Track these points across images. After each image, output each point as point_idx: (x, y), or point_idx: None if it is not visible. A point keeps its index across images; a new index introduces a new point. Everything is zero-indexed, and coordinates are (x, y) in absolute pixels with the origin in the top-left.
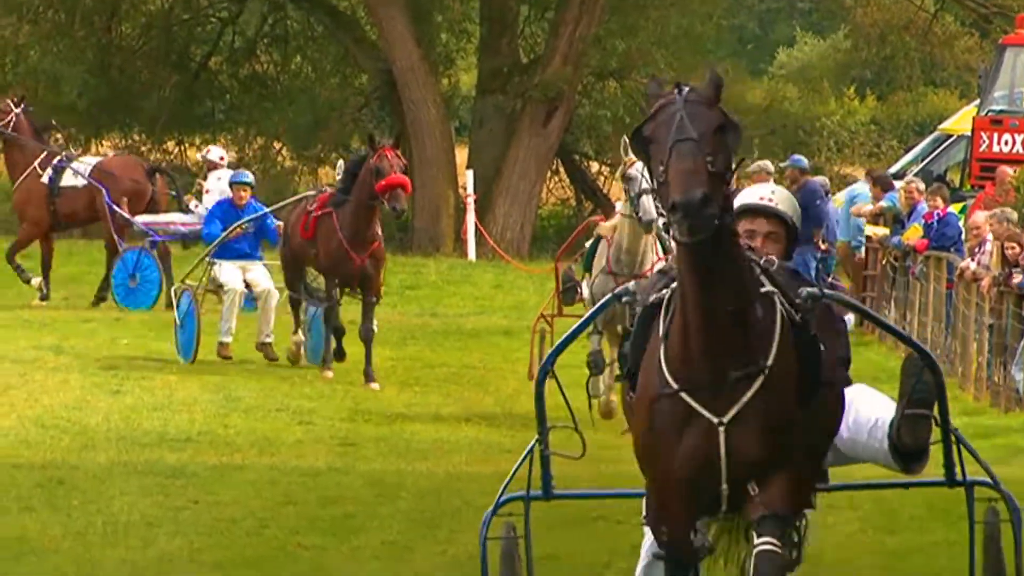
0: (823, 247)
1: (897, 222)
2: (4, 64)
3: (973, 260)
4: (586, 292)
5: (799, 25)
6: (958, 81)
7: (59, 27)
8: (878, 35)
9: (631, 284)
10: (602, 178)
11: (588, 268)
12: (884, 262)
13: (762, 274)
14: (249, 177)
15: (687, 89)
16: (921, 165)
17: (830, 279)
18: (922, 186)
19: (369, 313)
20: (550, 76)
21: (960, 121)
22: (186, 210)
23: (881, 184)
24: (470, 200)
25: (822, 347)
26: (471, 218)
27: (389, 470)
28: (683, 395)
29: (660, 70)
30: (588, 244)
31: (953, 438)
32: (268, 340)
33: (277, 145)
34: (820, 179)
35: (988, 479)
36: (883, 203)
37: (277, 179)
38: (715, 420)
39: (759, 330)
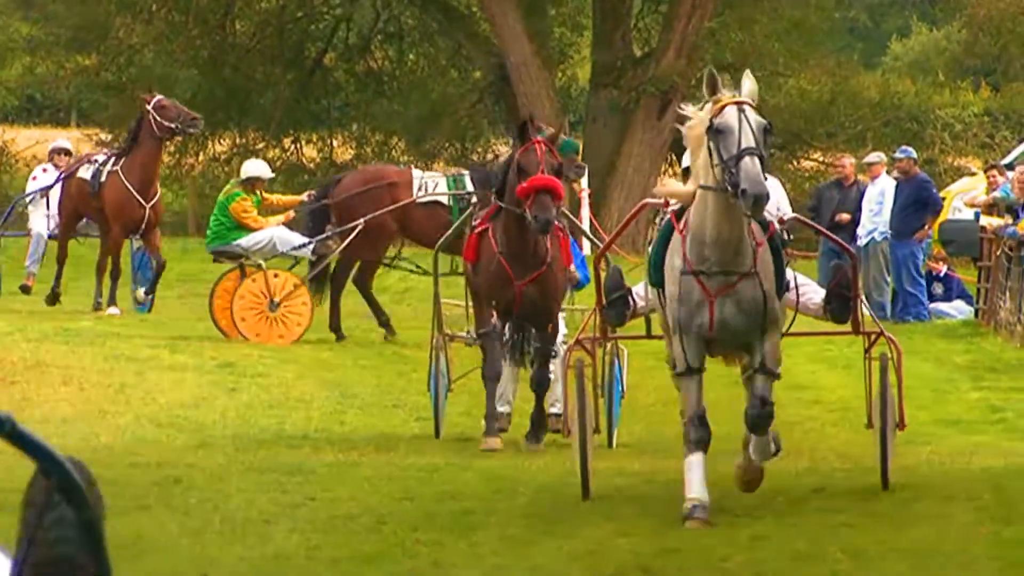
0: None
1: (1011, 212)
2: (119, 65)
3: None
4: (643, 301)
5: (915, 15)
6: None
7: (173, 26)
8: (993, 26)
9: None
10: None
11: (657, 265)
12: (999, 253)
13: None
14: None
15: None
16: None
17: (943, 268)
18: None
19: (543, 353)
20: (664, 70)
21: None
22: None
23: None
24: (584, 194)
25: None
26: (586, 212)
27: (507, 465)
28: None
29: (775, 63)
30: (656, 228)
31: None
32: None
33: (394, 141)
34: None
35: None
36: (996, 193)
37: None
38: None
39: None
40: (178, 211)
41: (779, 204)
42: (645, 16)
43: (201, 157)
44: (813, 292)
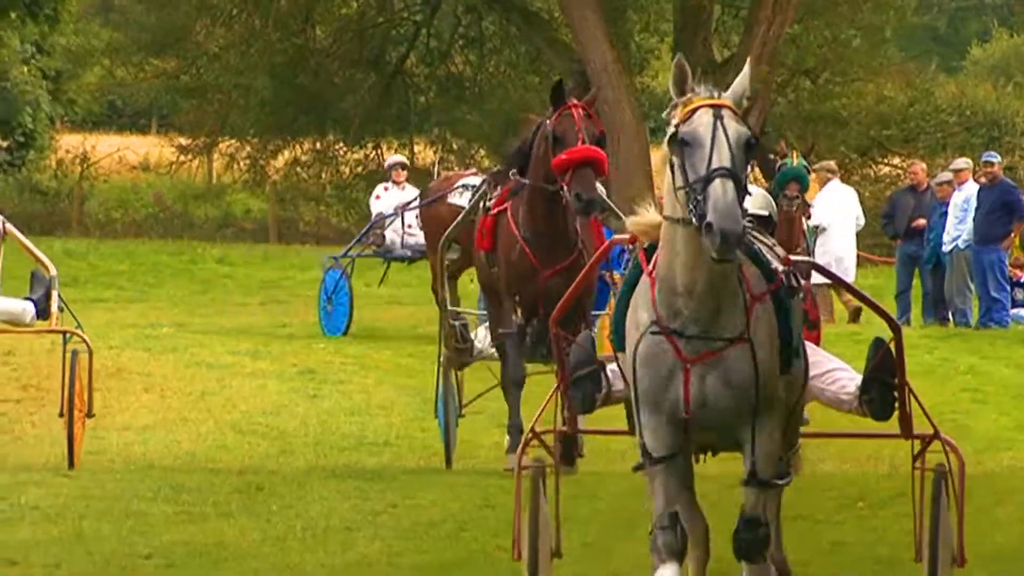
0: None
1: None
2: (198, 68)
3: None
4: (621, 381)
5: (996, 19)
6: None
7: (253, 31)
8: None
9: None
10: None
11: (618, 329)
12: None
13: None
14: None
15: None
16: None
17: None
18: None
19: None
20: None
21: None
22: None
23: None
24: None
25: None
26: None
27: (587, 471)
28: None
29: (854, 68)
30: (623, 276)
31: None
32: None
33: (476, 146)
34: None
35: None
36: None
37: None
38: None
39: None
40: (258, 217)
41: (858, 216)
42: (726, 21)
43: (281, 162)
44: (847, 379)
